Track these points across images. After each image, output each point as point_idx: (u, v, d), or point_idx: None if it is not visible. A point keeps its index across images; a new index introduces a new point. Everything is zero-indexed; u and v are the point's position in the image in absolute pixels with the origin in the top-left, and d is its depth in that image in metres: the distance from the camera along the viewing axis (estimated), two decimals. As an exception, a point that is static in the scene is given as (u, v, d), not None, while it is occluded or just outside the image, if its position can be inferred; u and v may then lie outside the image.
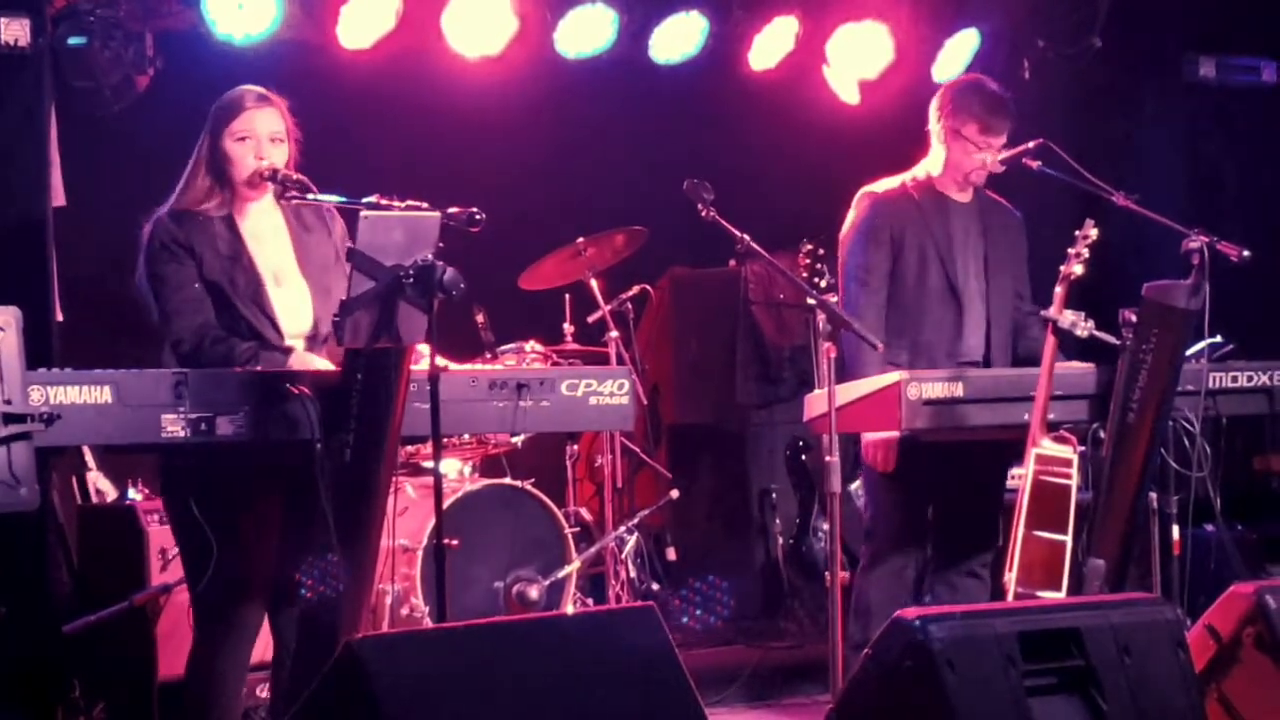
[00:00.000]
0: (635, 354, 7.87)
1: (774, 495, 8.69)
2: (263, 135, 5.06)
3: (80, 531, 6.84)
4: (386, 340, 4.72)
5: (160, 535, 6.21)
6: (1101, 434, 5.94)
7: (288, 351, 5.00)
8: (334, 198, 5.05)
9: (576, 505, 7.76)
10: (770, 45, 8.27)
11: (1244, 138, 9.30)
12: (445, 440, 6.40)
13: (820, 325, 5.61)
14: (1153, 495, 6.07)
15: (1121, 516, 5.91)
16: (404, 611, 6.73)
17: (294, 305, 5.09)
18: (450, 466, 7.21)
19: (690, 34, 8.11)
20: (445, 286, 4.68)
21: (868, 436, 6.10)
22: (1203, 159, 9.26)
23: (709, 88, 8.51)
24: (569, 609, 6.99)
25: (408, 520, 6.67)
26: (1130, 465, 5.89)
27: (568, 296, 7.91)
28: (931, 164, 6.29)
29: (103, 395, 4.53)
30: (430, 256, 4.70)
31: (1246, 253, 5.99)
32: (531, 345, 7.20)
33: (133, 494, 6.67)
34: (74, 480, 6.97)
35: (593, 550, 7.37)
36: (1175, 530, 6.13)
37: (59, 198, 6.82)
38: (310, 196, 5.04)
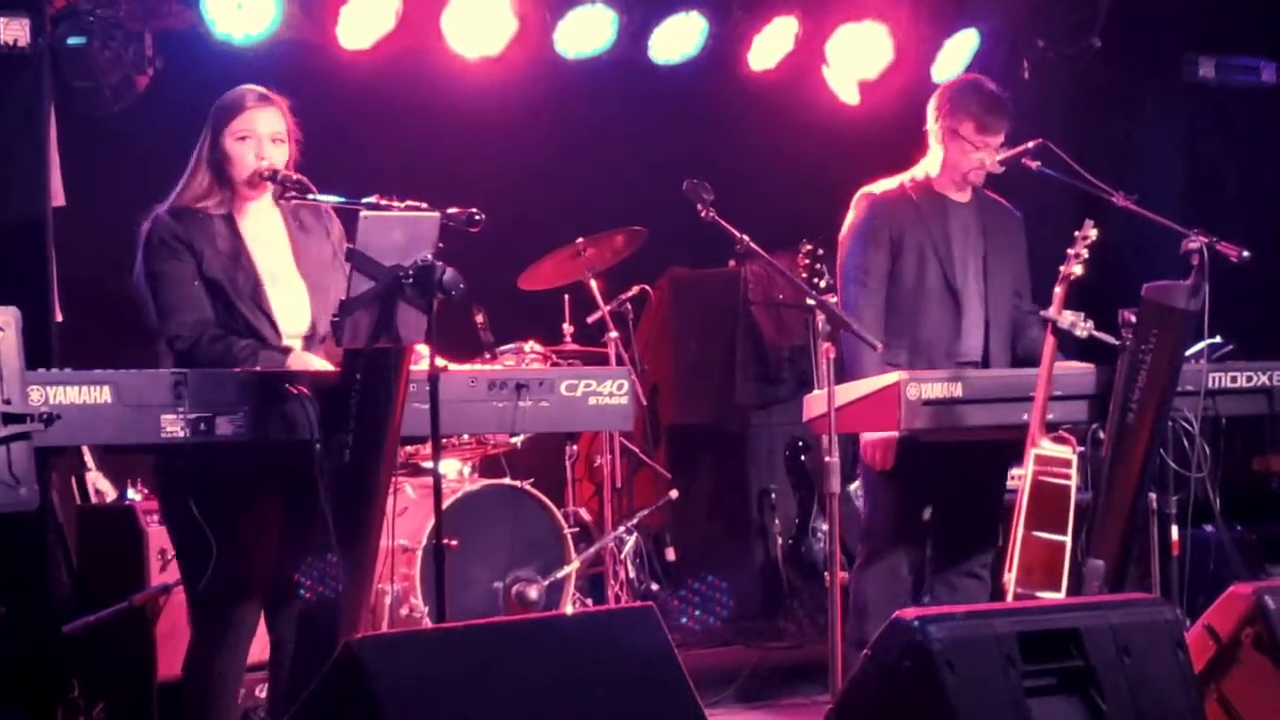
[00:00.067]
0: (634, 354, 7.87)
1: (773, 495, 8.69)
2: (263, 135, 5.07)
3: (80, 532, 6.84)
4: (386, 340, 4.72)
5: (160, 535, 6.20)
6: (1101, 434, 5.94)
7: (286, 351, 5.01)
8: (333, 198, 5.05)
9: (576, 505, 7.76)
10: (770, 45, 8.27)
11: (1243, 138, 9.30)
12: (445, 440, 6.40)
13: (819, 326, 5.61)
14: (1152, 496, 6.06)
15: (1121, 517, 5.91)
16: (403, 612, 6.73)
17: (292, 305, 5.09)
18: (450, 467, 7.21)
19: (690, 34, 8.11)
20: (445, 287, 4.68)
21: (866, 435, 6.10)
22: (1202, 159, 9.26)
23: (709, 88, 8.52)
24: (568, 609, 6.99)
25: (407, 520, 6.68)
26: (1130, 466, 5.89)
27: (567, 297, 7.91)
28: (930, 164, 6.29)
29: (102, 395, 4.53)
30: (430, 257, 4.70)
31: (1246, 253, 5.99)
32: (531, 345, 7.20)
33: (132, 494, 6.68)
34: (73, 480, 6.97)
35: (592, 550, 7.38)
36: (1174, 531, 6.13)
37: (58, 198, 6.82)
38: (310, 197, 5.04)
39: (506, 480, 7.18)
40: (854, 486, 6.82)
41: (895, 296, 6.20)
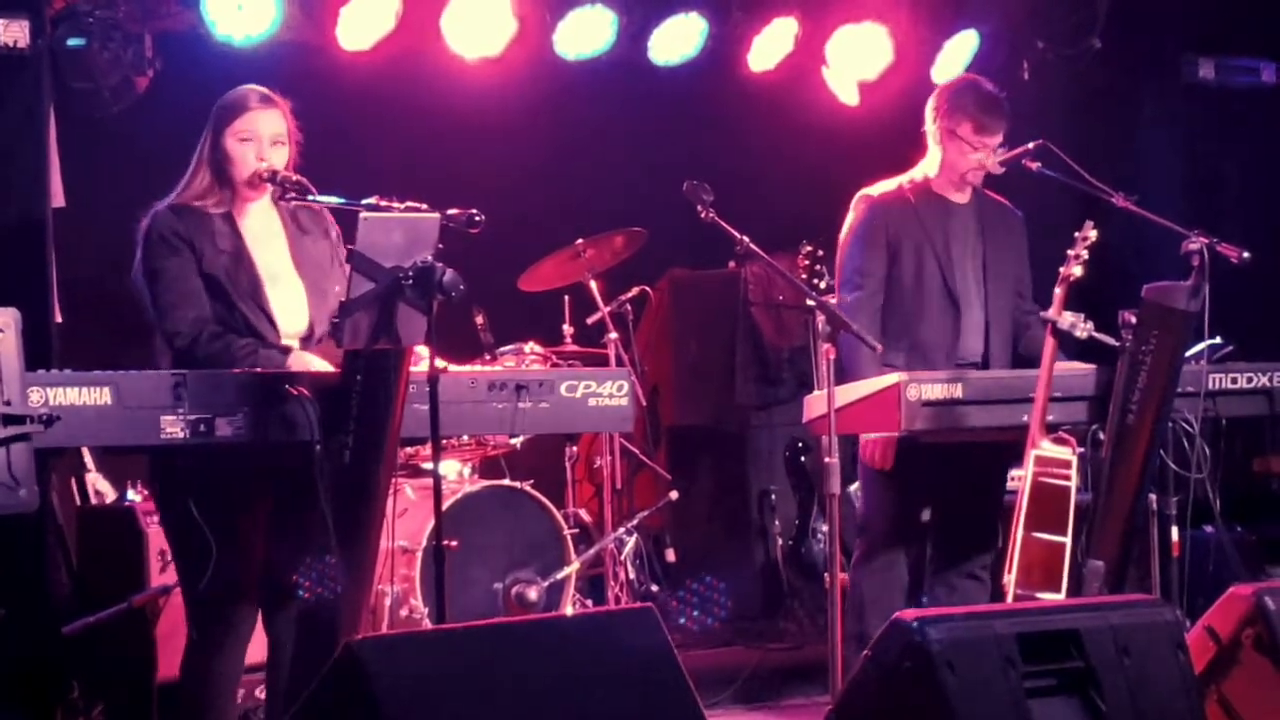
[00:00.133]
0: (634, 355, 7.87)
1: (773, 496, 8.69)
2: (265, 137, 5.07)
3: (79, 533, 6.84)
4: (386, 342, 4.72)
5: (160, 536, 6.19)
6: (1101, 435, 5.95)
7: (285, 350, 5.01)
8: (333, 199, 5.05)
9: (576, 506, 7.76)
10: (769, 47, 8.27)
11: (1244, 139, 9.29)
12: (444, 441, 6.40)
13: (819, 327, 5.61)
14: (1152, 497, 6.07)
15: (1121, 518, 5.91)
16: (403, 613, 6.73)
17: (291, 305, 5.10)
18: (449, 468, 7.21)
19: (689, 35, 8.11)
20: (445, 288, 4.68)
21: (866, 435, 6.10)
22: (1202, 160, 9.26)
23: (708, 89, 8.52)
24: (568, 610, 6.99)
25: (407, 521, 6.68)
26: (1130, 467, 5.89)
27: (567, 298, 7.90)
28: (929, 165, 6.29)
29: (102, 396, 4.53)
30: (430, 258, 4.70)
31: (1246, 254, 5.99)
32: (531, 346, 7.20)
33: (132, 495, 6.67)
34: (73, 481, 6.97)
35: (592, 551, 7.37)
36: (1174, 532, 6.13)
37: (58, 199, 6.83)
38: (309, 198, 5.04)
39: (506, 481, 7.19)
40: (854, 488, 6.81)
41: (894, 298, 6.20)
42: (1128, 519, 5.92)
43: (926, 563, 6.44)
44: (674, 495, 7.89)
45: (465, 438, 6.92)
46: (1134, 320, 5.87)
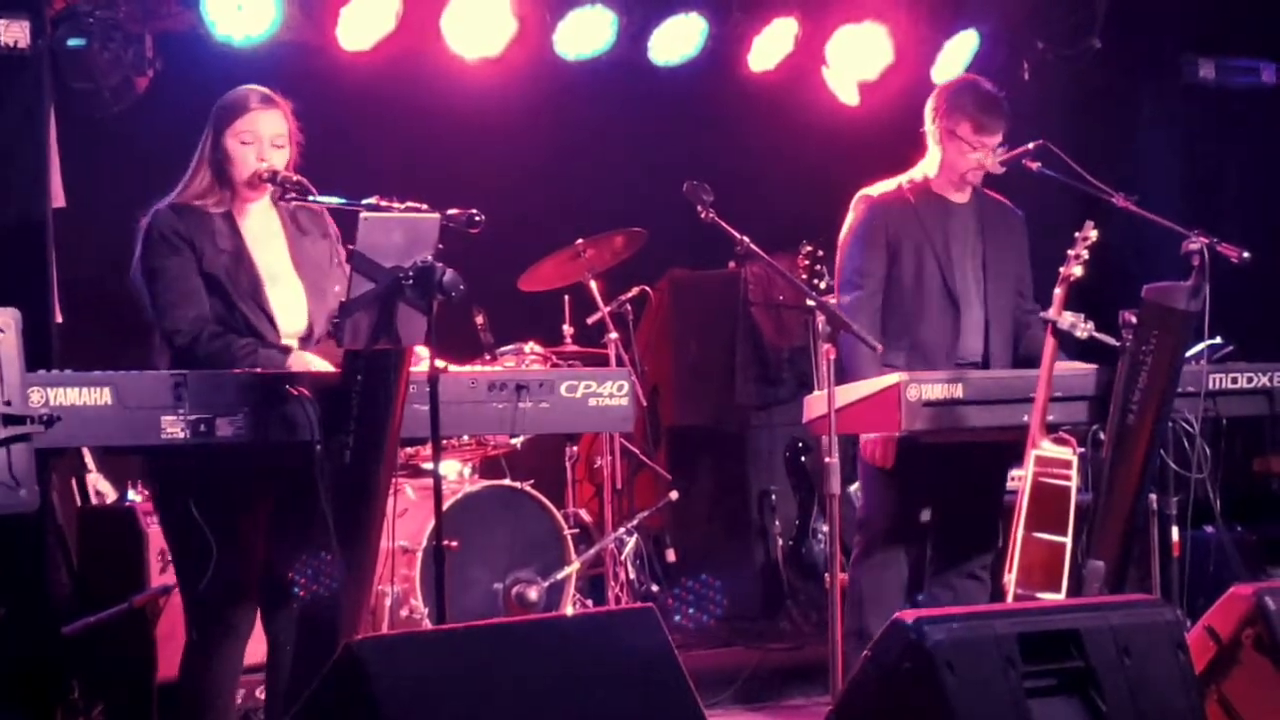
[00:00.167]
0: (634, 355, 7.87)
1: (773, 497, 8.69)
2: (265, 137, 5.07)
3: (80, 533, 6.83)
4: (386, 342, 4.72)
5: (160, 537, 6.19)
6: (1101, 435, 5.95)
7: (285, 350, 5.01)
8: (333, 199, 5.05)
9: (576, 507, 7.76)
10: (769, 47, 8.27)
11: (1243, 139, 9.30)
12: (445, 442, 6.40)
13: (819, 327, 5.62)
14: (1152, 497, 6.07)
15: (1121, 518, 5.91)
16: (403, 613, 6.73)
17: (290, 305, 5.10)
18: (450, 468, 7.21)
19: (689, 35, 8.11)
20: (445, 288, 4.68)
21: (867, 434, 6.10)
22: (1202, 160, 9.26)
23: (708, 89, 8.52)
24: (568, 610, 6.99)
25: (407, 522, 6.68)
26: (1130, 467, 5.89)
27: (567, 298, 7.90)
28: (928, 165, 6.30)
29: (102, 397, 4.53)
30: (430, 258, 4.70)
31: (1246, 254, 5.99)
32: (531, 347, 7.20)
33: (132, 495, 6.67)
34: (74, 482, 6.97)
35: (592, 552, 7.37)
36: (1175, 532, 6.13)
37: (58, 199, 6.83)
38: (310, 198, 5.04)
39: (506, 481, 7.18)
40: (854, 488, 6.81)
41: (894, 298, 6.20)
42: (1128, 519, 5.92)
43: (926, 563, 6.44)
44: (674, 495, 7.89)
45: (465, 438, 6.92)
46: (1134, 320, 5.87)
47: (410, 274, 4.68)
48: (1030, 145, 6.19)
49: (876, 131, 7.97)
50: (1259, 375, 6.27)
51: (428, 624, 6.60)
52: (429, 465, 6.32)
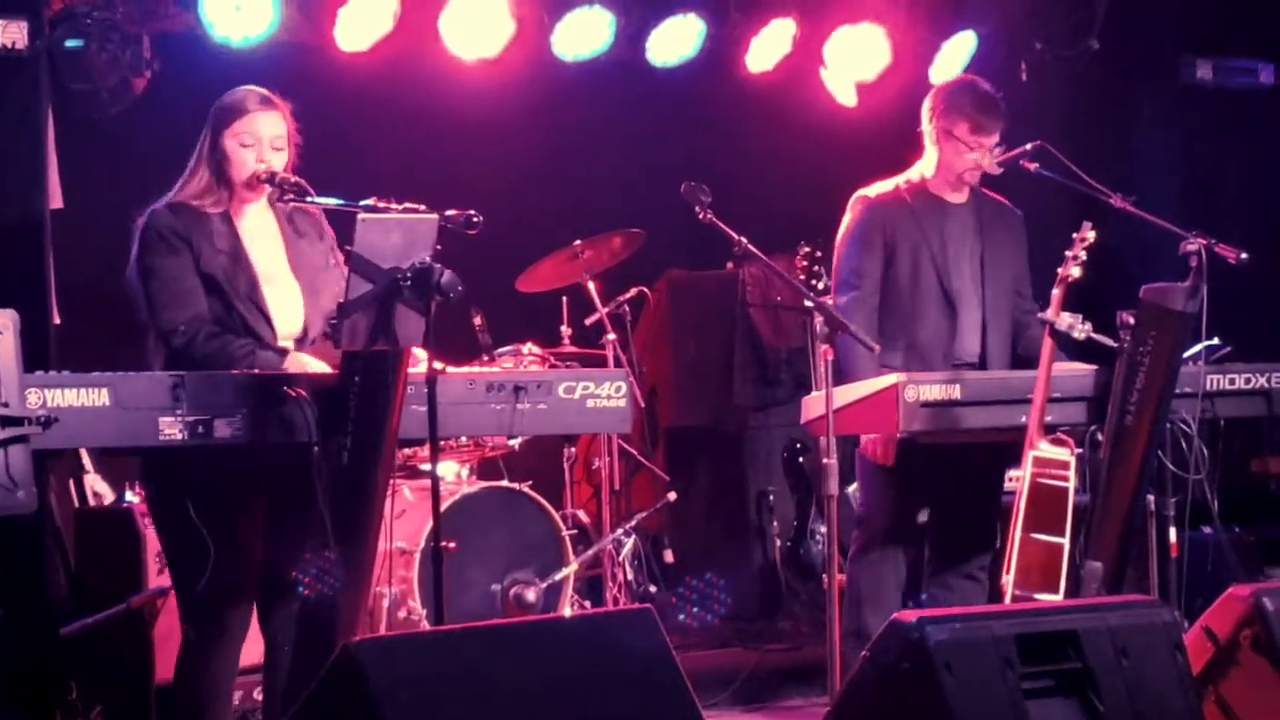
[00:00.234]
0: (633, 356, 7.87)
1: (771, 497, 8.69)
2: (265, 139, 5.07)
3: (77, 534, 6.83)
4: (384, 343, 4.72)
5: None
6: (1099, 436, 5.95)
7: (282, 353, 5.00)
8: (332, 200, 5.05)
9: (574, 508, 7.76)
10: (767, 48, 8.27)
11: (1242, 140, 9.29)
12: (443, 443, 6.40)
13: (818, 327, 5.62)
14: (1150, 498, 6.07)
15: (1119, 519, 5.91)
16: (401, 614, 6.73)
17: (286, 306, 5.10)
18: (448, 469, 7.21)
19: (687, 36, 8.11)
20: (443, 289, 4.68)
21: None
22: (1200, 161, 9.26)
23: (706, 90, 8.51)
24: (566, 611, 6.99)
25: (405, 523, 6.67)
26: (1128, 467, 5.89)
27: (565, 299, 7.90)
28: (925, 166, 6.30)
29: (100, 398, 4.53)
30: (428, 259, 4.70)
31: (1244, 255, 5.99)
32: (529, 347, 7.20)
33: (130, 497, 6.67)
34: (71, 483, 6.97)
35: (590, 553, 7.37)
36: (1173, 532, 6.13)
37: (56, 200, 6.82)
38: (308, 199, 5.04)
39: (504, 482, 7.18)
40: (852, 489, 6.81)
41: (891, 299, 6.20)
42: (1126, 520, 5.93)
43: (924, 563, 6.44)
44: (672, 496, 7.89)
45: (463, 439, 6.91)
46: (1132, 321, 5.87)
47: (408, 275, 4.68)
48: (1028, 146, 6.20)
49: (875, 132, 7.97)
50: (1257, 376, 6.27)
51: (426, 625, 6.59)
52: (427, 466, 6.32)
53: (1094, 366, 6.05)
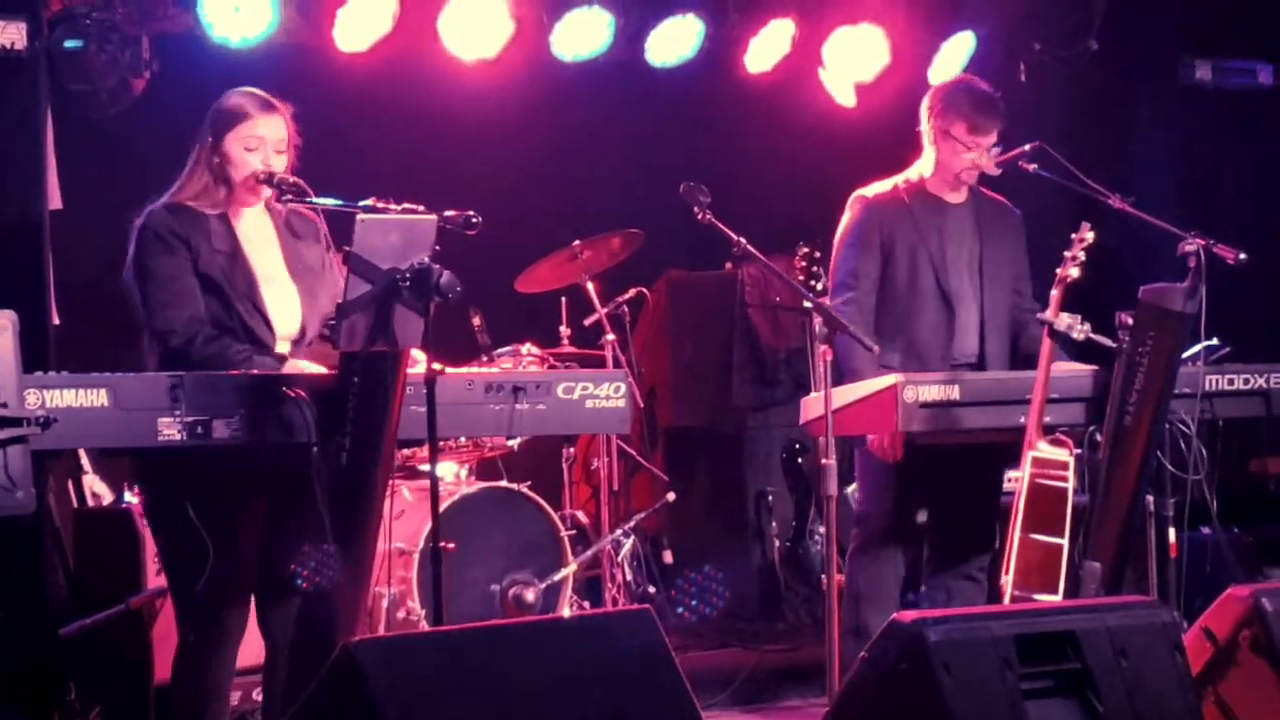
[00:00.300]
0: (631, 357, 7.86)
1: (770, 498, 8.69)
2: (270, 143, 5.07)
3: (76, 535, 6.83)
4: (383, 343, 4.72)
5: (157, 539, 6.21)
6: (1098, 437, 5.95)
7: (280, 359, 5.00)
8: (330, 201, 5.05)
9: (573, 508, 7.75)
10: (766, 48, 8.27)
11: (1240, 140, 9.30)
12: (441, 443, 6.40)
13: (816, 328, 5.63)
14: (1149, 498, 6.06)
15: (1118, 519, 5.91)
16: (400, 615, 6.73)
17: (284, 306, 5.10)
18: (446, 469, 7.21)
19: (686, 37, 8.11)
20: (442, 290, 4.68)
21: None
22: (1199, 162, 9.26)
23: (705, 91, 8.52)
24: (565, 612, 6.99)
25: (404, 523, 6.67)
26: (1127, 468, 5.89)
27: (564, 299, 7.90)
28: (923, 165, 6.30)
29: (99, 398, 4.53)
30: (427, 259, 4.70)
31: (1243, 256, 5.99)
32: (528, 348, 7.20)
33: (129, 497, 6.67)
34: (70, 483, 6.97)
35: (589, 553, 7.37)
36: (1172, 533, 6.13)
37: (55, 201, 6.82)
38: (307, 200, 5.04)
39: (503, 483, 7.18)
40: (851, 489, 6.82)
41: (888, 299, 6.20)
42: (1125, 520, 5.93)
43: (923, 564, 6.44)
44: (671, 497, 7.88)
45: (462, 439, 6.91)
46: (1131, 322, 5.87)
47: (407, 275, 4.68)
48: (1027, 147, 6.20)
49: (873, 133, 7.98)
50: (1255, 377, 6.27)
51: (425, 625, 6.59)
52: (426, 467, 6.32)
53: (1093, 367, 6.05)
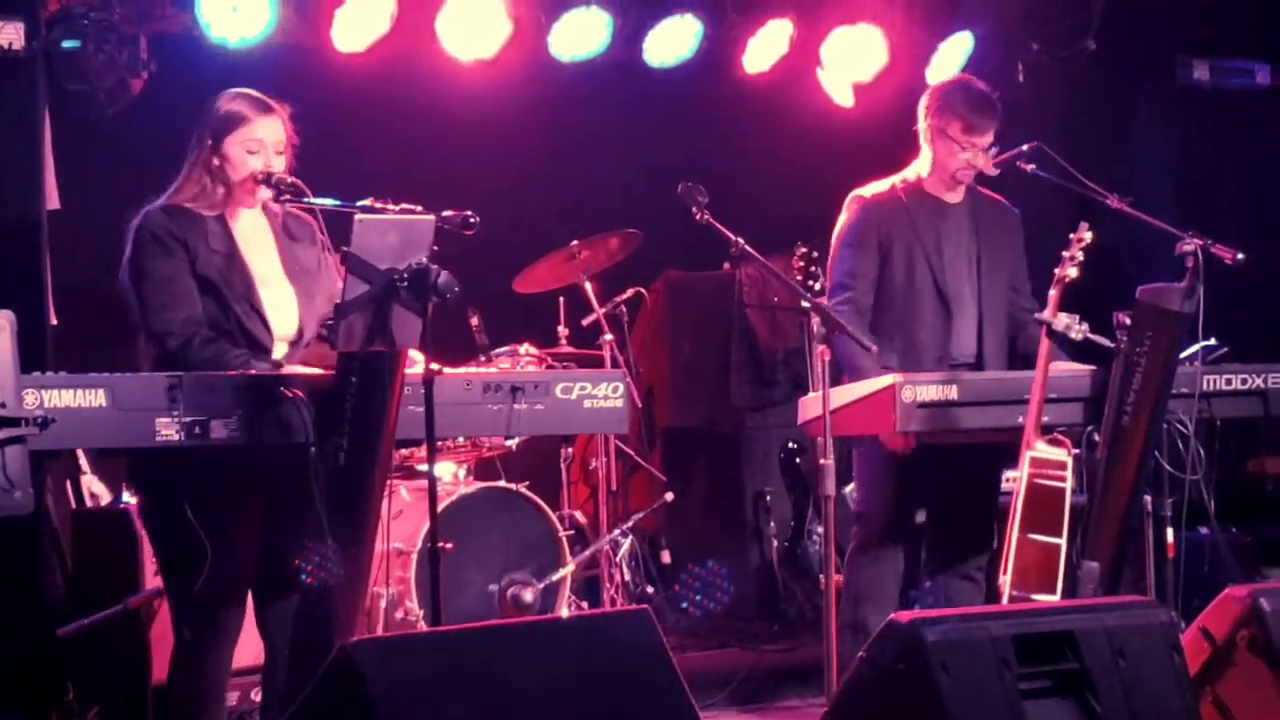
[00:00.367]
0: (630, 357, 7.87)
1: (768, 498, 8.69)
2: (270, 145, 5.07)
3: (74, 535, 6.83)
4: (381, 344, 4.71)
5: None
6: (1096, 437, 5.95)
7: (277, 366, 5.00)
8: (329, 201, 5.05)
9: (571, 508, 7.76)
10: (764, 48, 8.27)
11: (1238, 140, 9.30)
12: (440, 443, 6.39)
13: (814, 328, 5.62)
14: (1147, 498, 6.07)
15: (1116, 519, 5.91)
16: (399, 615, 6.72)
17: (282, 307, 5.10)
18: (445, 469, 7.20)
19: (684, 37, 8.11)
20: (440, 290, 4.68)
21: None
22: (1197, 162, 9.26)
23: (703, 91, 8.52)
24: (564, 612, 6.99)
25: (402, 523, 6.67)
26: (1125, 468, 5.89)
27: (562, 299, 7.90)
28: (921, 165, 6.30)
29: (97, 399, 4.53)
30: (425, 260, 4.70)
31: (1241, 256, 5.99)
32: (526, 348, 7.19)
33: (127, 498, 6.66)
34: (68, 484, 6.96)
35: (587, 553, 7.37)
36: (1170, 533, 6.13)
37: (53, 201, 6.82)
38: (305, 200, 5.04)
39: (501, 483, 7.17)
40: (849, 489, 6.82)
41: (886, 299, 6.20)
42: (1123, 520, 5.93)
43: (922, 564, 6.43)
44: (669, 497, 7.89)
45: (460, 439, 6.91)
46: (1129, 322, 5.87)
47: (405, 276, 4.68)
48: (1025, 147, 6.20)
49: (871, 133, 7.98)
50: (1253, 377, 6.27)
51: (423, 626, 6.59)
52: (424, 467, 6.31)
53: (1091, 367, 6.05)
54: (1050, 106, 8.55)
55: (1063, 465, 5.81)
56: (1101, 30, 8.65)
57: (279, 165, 5.08)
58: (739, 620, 8.23)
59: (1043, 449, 5.82)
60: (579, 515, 7.82)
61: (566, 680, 4.08)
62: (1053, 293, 5.95)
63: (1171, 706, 4.42)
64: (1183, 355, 6.03)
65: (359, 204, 4.84)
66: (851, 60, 8.41)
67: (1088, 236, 5.97)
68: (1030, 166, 6.19)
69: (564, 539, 7.13)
